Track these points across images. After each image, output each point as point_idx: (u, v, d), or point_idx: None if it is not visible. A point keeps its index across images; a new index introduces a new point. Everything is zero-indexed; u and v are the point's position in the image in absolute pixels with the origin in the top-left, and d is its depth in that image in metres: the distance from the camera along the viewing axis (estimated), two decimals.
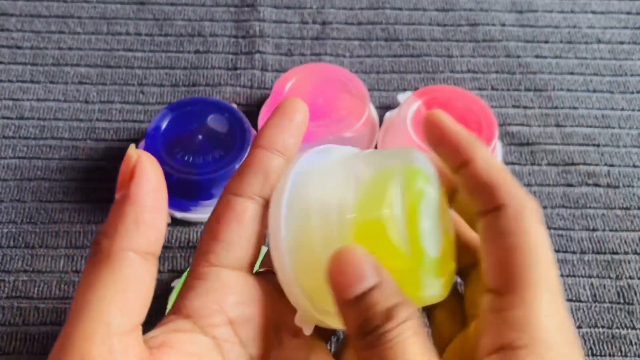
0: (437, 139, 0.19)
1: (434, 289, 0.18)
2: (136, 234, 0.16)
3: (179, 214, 0.34)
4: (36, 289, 0.32)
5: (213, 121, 0.35)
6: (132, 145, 0.17)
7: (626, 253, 0.35)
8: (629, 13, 0.45)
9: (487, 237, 0.18)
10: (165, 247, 0.34)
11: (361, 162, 0.19)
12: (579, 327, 0.32)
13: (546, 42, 0.43)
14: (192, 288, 0.18)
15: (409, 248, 0.18)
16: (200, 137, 0.34)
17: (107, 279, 0.16)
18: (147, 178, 0.17)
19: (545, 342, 0.16)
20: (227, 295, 0.18)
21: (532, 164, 0.38)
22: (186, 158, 0.33)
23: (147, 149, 0.33)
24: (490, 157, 0.19)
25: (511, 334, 0.16)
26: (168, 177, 0.33)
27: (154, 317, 0.33)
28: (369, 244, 0.17)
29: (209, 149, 0.34)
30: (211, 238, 0.18)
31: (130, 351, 0.16)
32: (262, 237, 0.19)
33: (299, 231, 0.18)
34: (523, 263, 0.17)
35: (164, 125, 0.34)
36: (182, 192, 0.34)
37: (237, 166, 0.33)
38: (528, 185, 0.37)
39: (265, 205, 0.19)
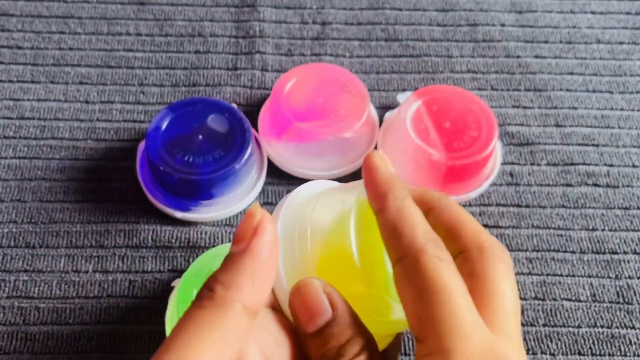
0: (367, 180, 0.20)
1: (402, 313, 0.19)
2: (249, 288, 0.17)
3: (179, 214, 0.34)
4: (36, 288, 0.32)
5: (213, 121, 0.35)
6: (257, 203, 0.18)
7: (625, 253, 0.35)
8: (628, 13, 0.45)
9: (401, 285, 0.18)
10: (165, 247, 0.34)
11: (333, 195, 0.21)
12: (579, 326, 0.32)
13: (546, 42, 0.43)
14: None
15: (373, 272, 0.19)
16: (200, 137, 0.34)
17: (213, 324, 0.16)
18: (268, 237, 0.17)
19: None
20: (266, 336, 0.19)
21: (532, 164, 0.38)
22: (186, 158, 0.33)
23: (147, 149, 0.33)
24: (402, 205, 0.19)
25: None
26: (168, 177, 0.33)
27: (154, 316, 0.33)
28: (336, 270, 0.19)
29: (208, 149, 0.34)
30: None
31: None
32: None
33: (288, 253, 0.19)
34: (432, 309, 0.17)
35: (164, 126, 0.34)
36: (182, 192, 0.34)
37: (237, 166, 0.33)
38: (528, 185, 0.37)
39: None
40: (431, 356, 0.17)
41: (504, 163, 0.38)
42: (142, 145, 0.36)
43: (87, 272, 0.33)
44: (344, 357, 0.17)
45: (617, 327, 0.33)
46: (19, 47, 0.41)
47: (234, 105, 0.36)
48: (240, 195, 0.35)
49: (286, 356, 0.19)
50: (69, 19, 0.43)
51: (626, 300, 0.33)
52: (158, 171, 0.33)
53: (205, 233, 0.34)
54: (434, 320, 0.17)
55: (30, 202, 0.35)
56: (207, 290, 0.17)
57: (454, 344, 0.16)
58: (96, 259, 0.33)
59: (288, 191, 0.36)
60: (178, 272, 0.33)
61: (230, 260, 0.17)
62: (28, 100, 0.39)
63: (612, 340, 0.32)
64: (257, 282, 0.17)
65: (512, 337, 0.18)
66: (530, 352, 0.32)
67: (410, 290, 0.18)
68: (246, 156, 0.33)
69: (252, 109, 0.39)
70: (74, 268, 0.33)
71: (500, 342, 0.17)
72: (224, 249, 0.29)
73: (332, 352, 0.17)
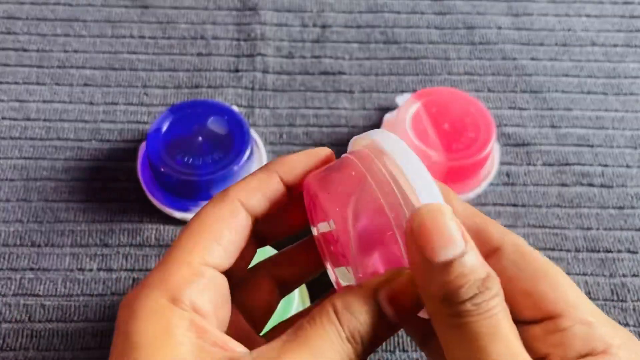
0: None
1: None
2: (254, 194, 0.19)
3: (178, 214, 0.35)
4: (42, 286, 0.33)
5: (213, 123, 0.35)
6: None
7: (620, 251, 0.35)
8: (622, 16, 0.46)
9: (509, 275, 0.17)
10: (168, 246, 0.34)
11: None
12: None
13: (541, 44, 0.44)
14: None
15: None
16: (200, 138, 0.35)
17: (213, 212, 0.19)
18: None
19: (626, 340, 0.16)
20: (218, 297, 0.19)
21: (528, 164, 0.39)
22: (186, 159, 0.34)
23: (148, 150, 0.34)
24: (466, 204, 0.19)
25: (588, 344, 0.16)
26: (168, 177, 0.34)
27: None
28: None
29: (208, 150, 0.34)
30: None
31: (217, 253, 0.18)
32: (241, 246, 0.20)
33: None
34: (555, 288, 0.17)
35: (164, 127, 0.35)
36: (181, 193, 0.34)
37: (235, 168, 0.34)
38: (524, 185, 0.38)
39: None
40: (573, 327, 0.16)
41: (501, 164, 0.38)
42: (143, 146, 0.37)
43: (91, 270, 0.33)
44: (487, 292, 0.15)
45: None
46: (25, 50, 0.42)
47: (235, 108, 0.37)
48: None
49: (226, 314, 0.20)
50: (73, 22, 0.43)
51: (620, 298, 0.34)
52: (158, 172, 0.34)
53: None
54: (566, 295, 0.17)
55: (35, 201, 0.36)
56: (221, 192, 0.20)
57: (586, 313, 0.16)
58: (100, 258, 0.34)
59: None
60: None
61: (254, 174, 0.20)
62: (34, 101, 0.40)
63: None
64: (260, 193, 0.20)
65: (603, 319, 0.17)
66: None
67: (523, 274, 0.17)
68: (245, 158, 0.34)
69: (254, 111, 0.40)
70: (79, 266, 0.33)
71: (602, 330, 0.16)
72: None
73: (468, 291, 0.15)
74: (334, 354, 0.16)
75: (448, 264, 0.15)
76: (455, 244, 0.15)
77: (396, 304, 0.17)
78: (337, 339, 0.16)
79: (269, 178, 0.20)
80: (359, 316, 0.16)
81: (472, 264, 0.15)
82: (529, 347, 0.16)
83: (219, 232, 0.18)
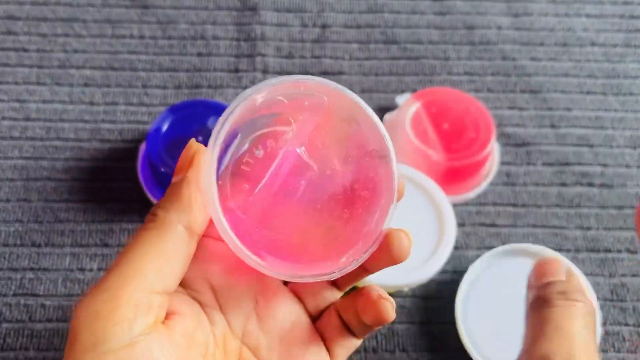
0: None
1: None
2: (189, 211, 0.18)
3: None
4: (42, 286, 0.33)
5: (213, 123, 0.35)
6: (193, 139, 0.20)
7: (619, 251, 0.35)
8: (622, 17, 0.46)
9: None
10: None
11: None
12: None
13: (541, 45, 0.44)
14: None
15: None
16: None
17: (155, 242, 0.18)
18: (205, 167, 0.19)
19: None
20: (212, 265, 0.20)
21: (528, 164, 0.39)
22: None
23: (148, 150, 0.34)
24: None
25: None
26: (168, 177, 0.34)
27: None
28: None
29: None
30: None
31: (151, 312, 0.17)
32: None
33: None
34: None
35: (164, 127, 0.35)
36: None
37: None
38: (524, 185, 0.38)
39: None
40: None
41: (501, 164, 0.38)
42: (143, 146, 0.37)
43: (91, 270, 0.33)
44: (568, 294, 0.24)
45: (610, 324, 0.33)
46: (25, 50, 0.42)
47: None
48: None
49: (241, 283, 0.20)
50: (73, 22, 0.43)
51: (620, 297, 0.34)
52: (158, 172, 0.34)
53: None
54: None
55: (35, 201, 0.36)
56: (150, 215, 0.18)
57: None
58: (100, 257, 0.34)
59: None
60: None
61: (170, 189, 0.19)
62: (34, 101, 0.40)
63: (605, 337, 0.33)
64: (196, 206, 0.18)
65: None
66: None
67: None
68: None
69: None
70: (79, 266, 0.34)
71: None
72: None
73: (556, 287, 0.24)
74: None
75: (549, 283, 0.25)
76: (559, 276, 0.25)
77: None
78: None
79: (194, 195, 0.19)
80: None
81: (565, 287, 0.24)
82: None
83: (163, 265, 0.18)
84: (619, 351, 0.32)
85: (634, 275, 0.35)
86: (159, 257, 0.17)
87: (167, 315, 0.18)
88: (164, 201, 0.18)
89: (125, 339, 0.16)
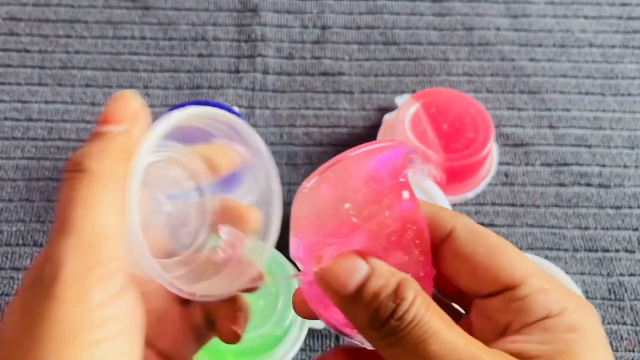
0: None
1: None
2: (122, 167, 0.17)
3: None
4: None
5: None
6: (126, 91, 0.18)
7: (617, 251, 0.36)
8: (620, 18, 0.46)
9: (465, 253, 0.17)
10: None
11: None
12: None
13: (540, 45, 0.44)
14: None
15: None
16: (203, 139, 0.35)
17: (101, 196, 0.16)
18: (143, 119, 0.18)
19: (579, 302, 0.17)
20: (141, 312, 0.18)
21: (526, 165, 0.39)
22: None
23: None
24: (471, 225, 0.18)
25: (546, 308, 0.16)
26: None
27: None
28: None
29: None
30: None
31: (113, 285, 0.15)
32: None
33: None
34: (510, 261, 0.17)
35: None
36: None
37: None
38: (522, 185, 0.38)
39: None
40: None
41: (499, 164, 0.39)
42: None
43: None
44: (404, 301, 0.15)
45: (609, 323, 0.33)
46: (27, 51, 0.42)
47: (236, 108, 0.37)
48: (237, 197, 0.36)
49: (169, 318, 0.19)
50: (75, 23, 0.44)
51: (618, 297, 0.34)
52: None
53: None
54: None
55: (38, 201, 0.36)
56: (74, 164, 0.16)
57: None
58: None
59: (288, 192, 0.37)
60: None
61: (102, 138, 0.17)
62: (36, 102, 0.40)
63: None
64: (128, 162, 0.17)
65: None
66: None
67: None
68: None
69: (254, 111, 0.40)
70: None
71: None
72: None
73: (386, 309, 0.15)
74: None
75: (359, 291, 0.16)
76: (356, 269, 0.16)
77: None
78: None
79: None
80: None
81: (378, 284, 0.16)
82: (489, 319, 0.17)
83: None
84: (617, 350, 0.33)
85: (631, 275, 0.35)
86: (111, 215, 0.16)
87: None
88: (91, 148, 0.16)
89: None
